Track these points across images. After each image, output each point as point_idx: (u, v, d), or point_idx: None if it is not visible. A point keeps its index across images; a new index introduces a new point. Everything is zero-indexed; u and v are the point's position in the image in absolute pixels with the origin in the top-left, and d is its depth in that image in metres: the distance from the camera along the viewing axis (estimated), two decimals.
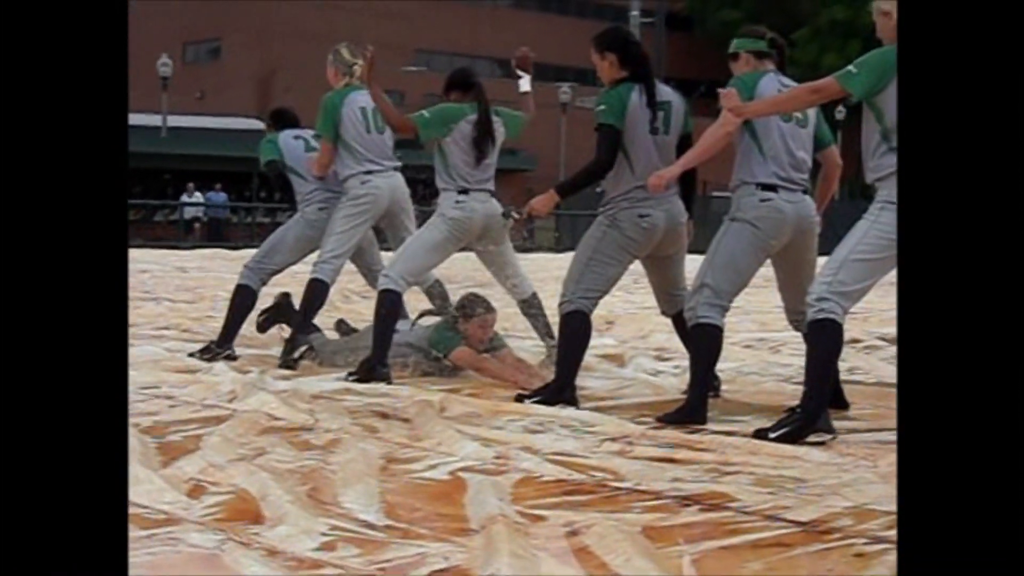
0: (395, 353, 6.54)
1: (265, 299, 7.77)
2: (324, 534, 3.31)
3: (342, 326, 7.73)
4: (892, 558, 3.19)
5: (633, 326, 9.44)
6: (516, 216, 6.96)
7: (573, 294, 5.76)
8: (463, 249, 7.07)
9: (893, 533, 3.43)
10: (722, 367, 6.83)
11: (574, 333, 5.76)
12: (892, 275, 5.43)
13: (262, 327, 7.85)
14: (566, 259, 6.43)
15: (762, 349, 8.31)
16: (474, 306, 6.60)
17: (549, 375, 6.01)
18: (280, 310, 7.88)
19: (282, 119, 7.74)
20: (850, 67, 4.86)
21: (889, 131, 4.82)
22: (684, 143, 5.80)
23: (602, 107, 5.65)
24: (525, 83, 6.84)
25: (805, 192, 5.52)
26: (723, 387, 6.23)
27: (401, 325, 6.75)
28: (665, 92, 5.81)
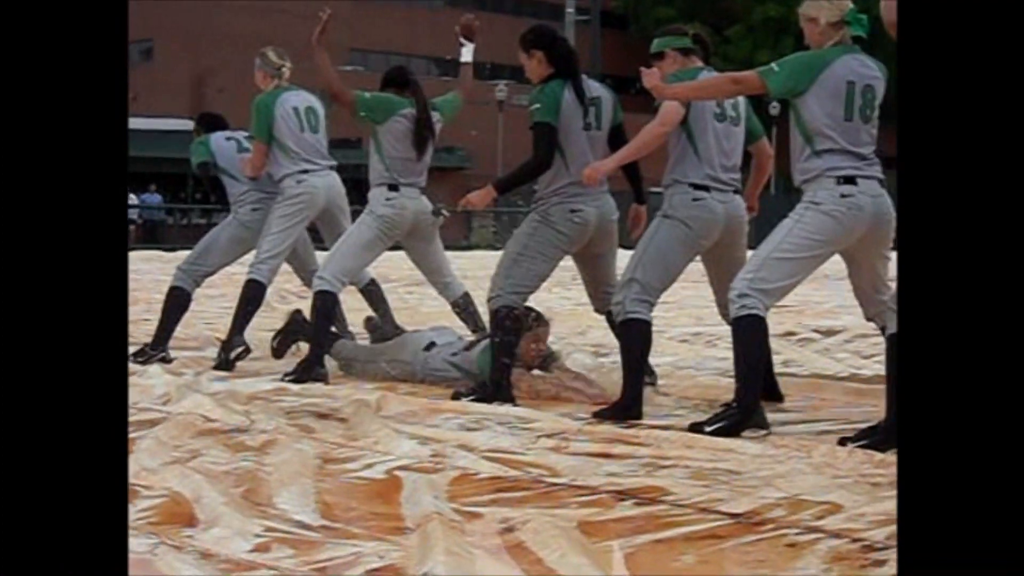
0: (441, 376, 6.22)
1: (273, 317, 7.59)
2: (258, 535, 3.29)
3: (371, 322, 7.32)
4: (823, 547, 3.23)
5: (571, 322, 9.46)
6: (446, 213, 6.97)
7: (502, 289, 5.77)
8: (397, 248, 7.06)
9: (824, 523, 3.48)
10: (658, 361, 6.88)
11: (503, 329, 5.77)
12: (826, 268, 5.51)
13: (278, 352, 7.11)
14: None
15: (698, 343, 8.36)
16: (523, 322, 5.97)
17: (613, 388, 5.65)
18: (294, 328, 7.16)
19: (210, 123, 7.69)
20: (773, 64, 4.92)
21: (810, 135, 4.86)
22: (616, 135, 5.84)
23: (536, 105, 5.67)
24: (467, 52, 6.77)
25: (736, 192, 5.56)
26: (659, 381, 6.27)
27: (442, 338, 6.42)
28: (594, 88, 5.84)
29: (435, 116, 6.75)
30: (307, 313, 6.85)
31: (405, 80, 6.71)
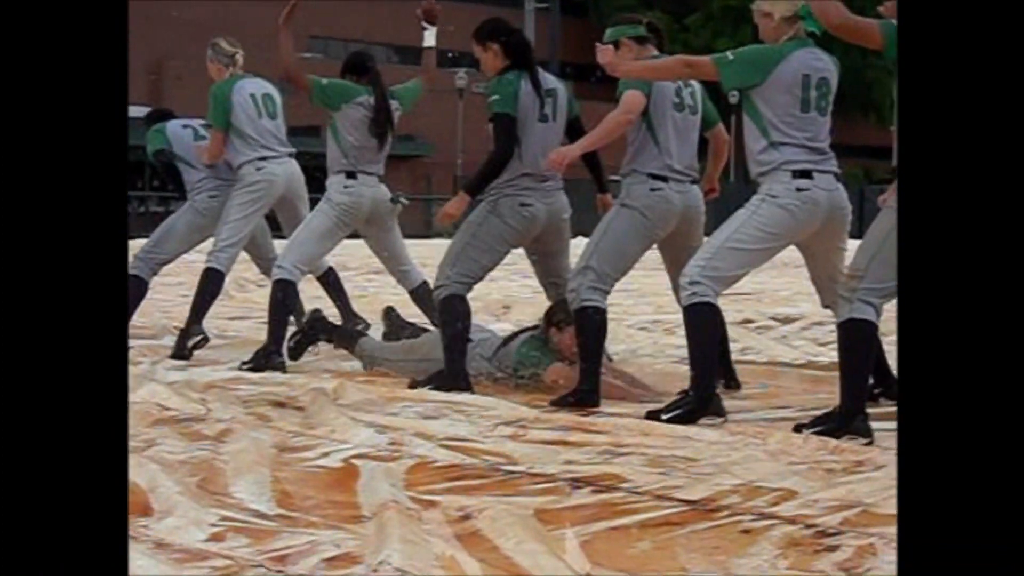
0: (477, 373, 5.84)
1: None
2: (213, 525, 3.28)
3: (390, 314, 6.93)
4: (777, 533, 3.25)
5: (529, 310, 9.44)
6: (405, 201, 6.96)
7: (448, 278, 5.77)
8: (355, 236, 7.04)
9: (779, 509, 3.50)
10: (617, 349, 6.91)
11: (452, 317, 5.77)
12: (785, 257, 5.54)
13: (296, 352, 6.64)
14: None
15: (656, 331, 8.39)
16: (565, 315, 5.71)
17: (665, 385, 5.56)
18: (317, 327, 6.75)
19: (160, 119, 7.62)
20: (729, 53, 4.95)
21: (766, 127, 4.89)
22: (574, 128, 5.85)
23: (495, 97, 5.66)
24: (430, 36, 6.69)
25: (693, 182, 5.58)
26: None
27: (477, 335, 6.03)
28: (550, 80, 5.85)
29: (394, 104, 6.73)
30: (299, 309, 6.79)
31: (363, 67, 6.69)
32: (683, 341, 7.43)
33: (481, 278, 5.87)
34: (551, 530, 3.28)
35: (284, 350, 6.48)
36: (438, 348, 5.88)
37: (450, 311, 5.76)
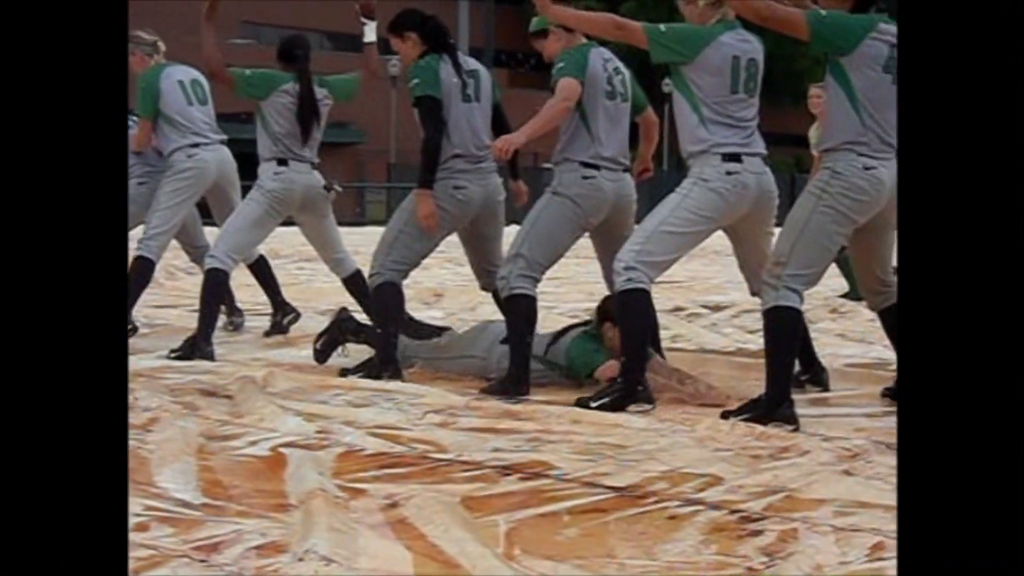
0: (536, 374, 5.49)
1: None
2: (137, 515, 3.25)
3: (345, 312, 6.53)
4: (703, 519, 3.28)
5: (462, 298, 9.48)
6: (338, 188, 6.92)
7: (383, 266, 5.76)
8: (288, 223, 7.00)
9: (705, 495, 3.53)
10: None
11: (385, 305, 5.76)
12: (716, 245, 5.58)
13: (322, 355, 6.25)
14: None
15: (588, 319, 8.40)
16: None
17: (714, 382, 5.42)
18: (344, 328, 6.33)
19: None
20: (661, 25, 4.97)
21: (697, 104, 4.93)
22: (496, 113, 5.88)
23: (416, 81, 5.65)
24: (370, 31, 6.56)
25: (626, 170, 5.61)
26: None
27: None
28: (470, 62, 5.87)
29: (322, 92, 6.70)
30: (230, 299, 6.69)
31: (290, 55, 6.65)
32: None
33: (416, 264, 5.86)
34: (478, 517, 3.29)
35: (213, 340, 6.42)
36: (475, 345, 5.74)
37: (383, 298, 5.75)
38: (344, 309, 6.46)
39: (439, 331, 6.35)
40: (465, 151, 5.70)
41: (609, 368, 5.28)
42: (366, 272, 7.13)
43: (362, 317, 6.68)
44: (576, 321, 5.80)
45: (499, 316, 5.85)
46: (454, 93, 5.70)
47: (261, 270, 7.51)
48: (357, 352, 6.15)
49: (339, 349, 6.26)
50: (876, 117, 4.60)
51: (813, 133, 10.01)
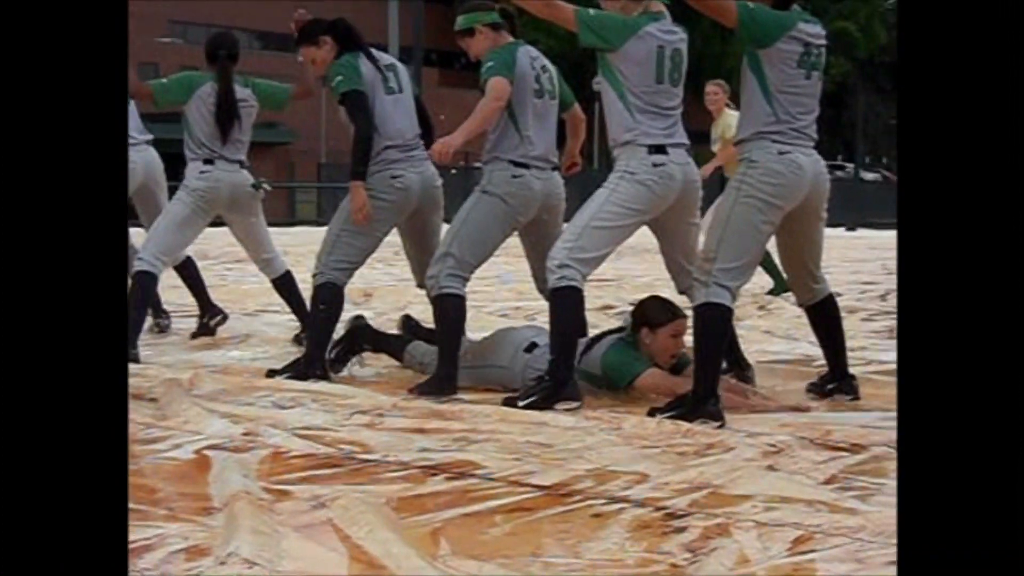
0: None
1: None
2: None
3: (408, 322, 6.31)
4: (628, 516, 3.29)
5: (391, 298, 9.45)
6: (267, 187, 6.87)
7: (325, 265, 5.73)
8: (217, 224, 6.94)
9: (630, 492, 3.55)
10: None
11: (324, 305, 5.73)
12: (646, 243, 5.60)
13: (337, 364, 5.91)
14: None
15: (517, 318, 8.42)
16: (659, 313, 5.21)
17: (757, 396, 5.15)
18: (360, 336, 6.04)
19: None
20: (590, 10, 5.01)
21: (623, 91, 4.96)
22: (418, 107, 5.93)
23: (338, 78, 5.64)
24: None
25: (554, 168, 5.62)
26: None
27: (542, 338, 5.42)
28: (385, 57, 5.90)
29: (245, 92, 6.65)
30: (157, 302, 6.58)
31: (212, 55, 6.60)
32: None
33: (361, 263, 5.83)
34: (404, 518, 3.28)
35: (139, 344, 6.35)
36: (497, 353, 5.47)
37: (322, 298, 5.72)
38: (360, 317, 6.19)
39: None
40: (397, 141, 5.71)
41: (650, 376, 5.09)
42: (296, 273, 7.11)
43: (286, 318, 6.65)
44: (610, 327, 5.55)
45: (517, 323, 5.74)
46: (377, 86, 5.71)
47: (188, 272, 7.44)
48: (373, 361, 6.00)
49: (354, 358, 5.98)
50: (790, 111, 4.72)
51: (713, 129, 10.14)
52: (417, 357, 5.78)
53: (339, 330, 5.87)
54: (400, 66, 5.93)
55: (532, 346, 5.39)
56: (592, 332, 5.60)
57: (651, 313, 5.21)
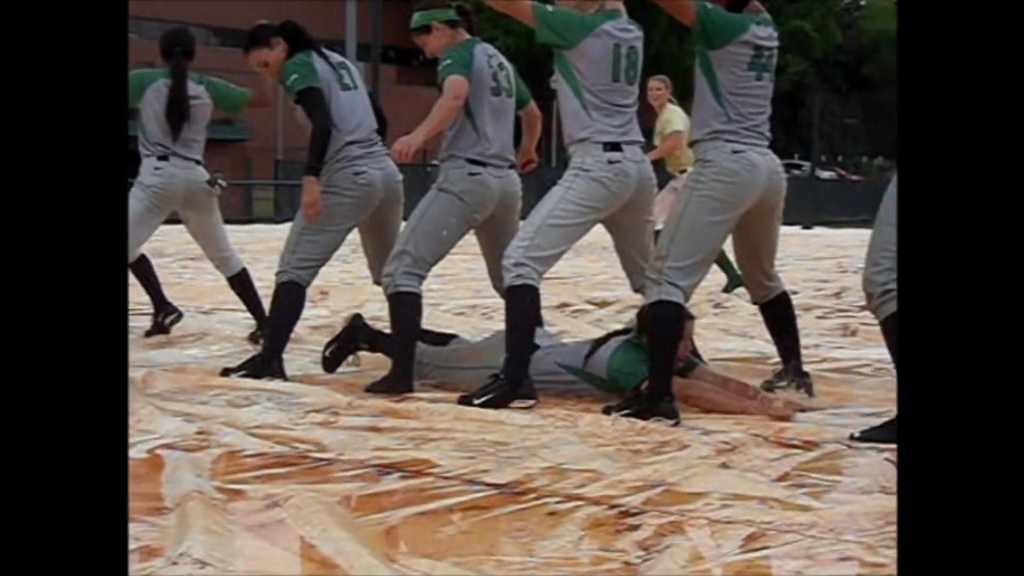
0: (553, 381, 5.16)
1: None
2: None
3: (359, 319, 6.01)
4: (582, 515, 3.30)
5: (347, 296, 9.41)
6: (223, 183, 6.83)
7: (288, 264, 5.70)
8: (172, 221, 6.90)
9: (585, 490, 3.55)
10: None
11: (285, 304, 5.71)
12: (604, 241, 5.60)
13: (331, 363, 5.83)
14: (285, 229, 6.31)
15: (474, 316, 8.42)
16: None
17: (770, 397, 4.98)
18: (356, 335, 5.91)
19: None
20: (548, 7, 5.01)
21: (579, 89, 4.97)
22: (372, 103, 5.93)
23: (294, 77, 5.61)
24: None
25: (511, 166, 5.62)
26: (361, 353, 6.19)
27: (544, 340, 5.35)
28: (335, 56, 5.88)
29: (198, 89, 6.61)
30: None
31: (167, 51, 6.56)
32: (500, 326, 7.53)
33: (324, 261, 5.80)
34: (358, 517, 3.28)
35: None
36: (497, 354, 5.17)
37: (283, 298, 5.68)
38: (357, 316, 6.04)
39: (446, 338, 5.91)
40: (358, 137, 5.70)
41: None
42: (252, 271, 7.07)
43: (242, 316, 6.61)
44: (618, 328, 5.38)
45: (590, 330, 5.58)
46: (333, 83, 5.70)
47: (143, 269, 7.38)
48: (368, 361, 5.88)
49: (350, 358, 5.85)
50: (742, 111, 4.74)
51: (656, 124, 10.18)
52: (416, 358, 5.51)
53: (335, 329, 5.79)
54: (350, 64, 5.92)
55: (534, 348, 5.21)
56: (551, 331, 5.60)
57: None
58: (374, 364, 5.75)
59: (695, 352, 5.24)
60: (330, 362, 5.81)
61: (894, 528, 3.15)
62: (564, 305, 9.09)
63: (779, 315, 5.27)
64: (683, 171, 8.72)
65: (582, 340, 5.40)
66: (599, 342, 5.20)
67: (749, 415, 4.71)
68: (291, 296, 5.70)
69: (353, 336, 5.88)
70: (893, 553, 2.93)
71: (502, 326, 7.30)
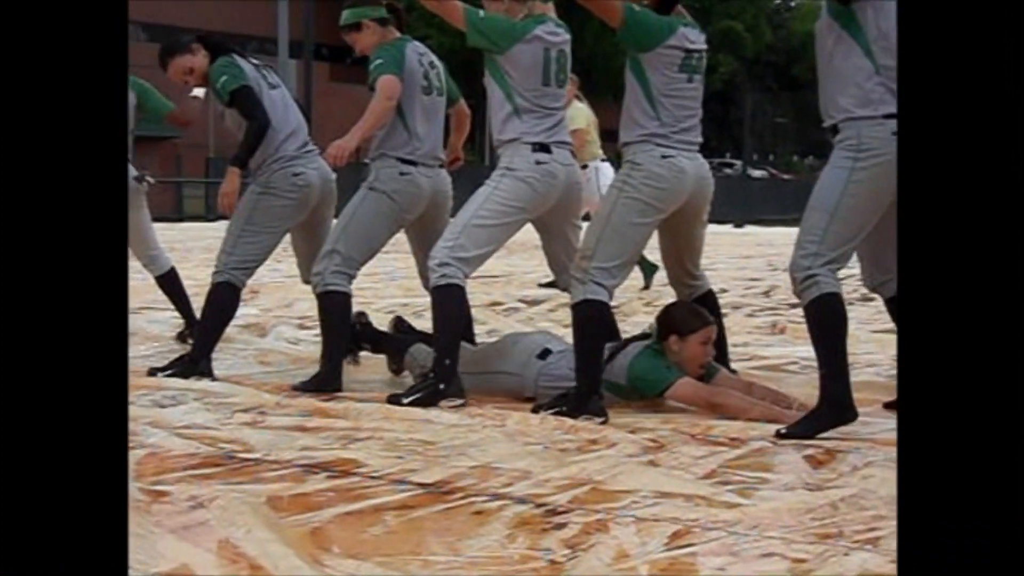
0: (567, 388, 4.89)
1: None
2: None
3: (401, 325, 5.99)
4: (509, 513, 3.30)
5: (278, 295, 9.37)
6: (150, 180, 6.77)
7: (225, 265, 5.65)
8: None
9: (512, 489, 3.56)
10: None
11: (218, 305, 5.66)
12: (534, 238, 5.60)
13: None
14: (217, 228, 6.28)
15: (405, 314, 8.36)
16: (690, 320, 4.89)
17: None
18: (359, 335, 5.83)
19: None
20: (480, 11, 5.02)
21: (511, 92, 4.97)
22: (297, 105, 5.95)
23: (223, 78, 5.59)
24: (199, 91, 6.13)
25: (441, 165, 5.62)
26: (364, 353, 6.25)
27: (555, 344, 5.21)
28: (252, 60, 5.88)
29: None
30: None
31: None
32: (431, 325, 7.53)
33: (261, 262, 5.77)
34: (284, 517, 3.25)
35: None
36: (506, 359, 5.16)
37: (216, 298, 5.64)
38: (362, 314, 5.92)
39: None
40: (293, 136, 5.69)
41: (684, 386, 4.79)
42: (181, 270, 7.01)
43: (170, 315, 6.54)
44: (636, 333, 5.19)
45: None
46: (261, 84, 5.70)
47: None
48: (368, 360, 5.83)
49: (348, 357, 5.72)
50: (674, 114, 4.77)
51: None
52: (419, 360, 5.41)
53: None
54: (268, 67, 5.93)
55: (545, 352, 5.11)
56: (485, 329, 5.59)
57: (681, 320, 4.90)
58: (306, 363, 5.73)
59: (721, 357, 5.10)
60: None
61: (817, 524, 3.20)
62: (495, 304, 9.10)
63: None
64: (584, 166, 8.72)
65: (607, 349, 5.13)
66: (617, 348, 4.99)
67: (780, 423, 4.45)
68: (225, 297, 5.66)
69: (357, 336, 5.75)
70: (815, 548, 2.97)
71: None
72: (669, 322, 4.93)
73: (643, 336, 5.06)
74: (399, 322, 6.01)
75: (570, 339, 4.91)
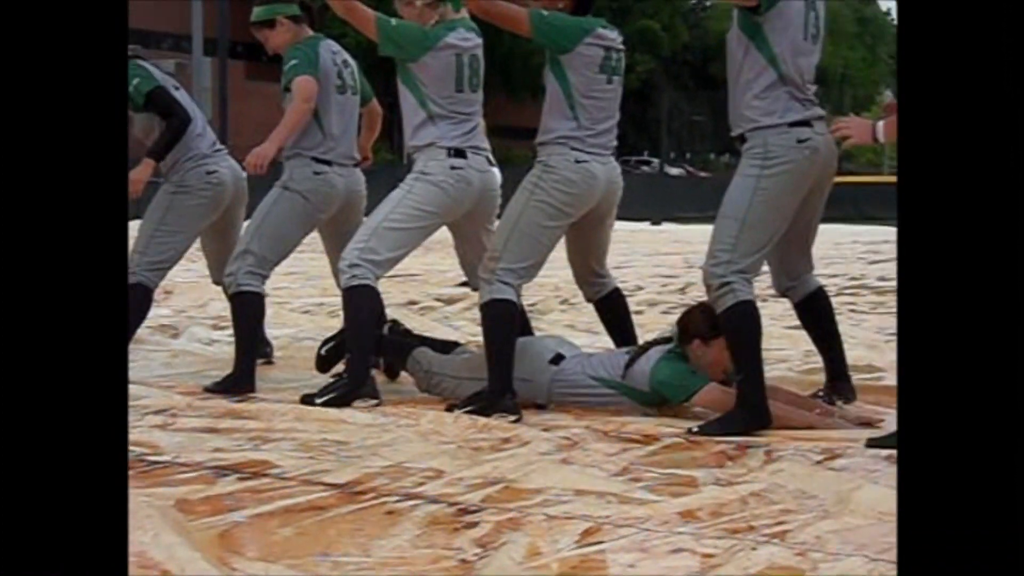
0: (583, 395, 4.87)
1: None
2: None
3: (397, 326, 5.72)
4: (420, 513, 3.29)
5: (192, 295, 9.26)
6: None
7: (138, 266, 5.57)
8: None
9: (424, 489, 3.55)
10: (278, 333, 6.84)
11: (131, 306, 5.58)
12: (448, 236, 5.59)
13: (325, 364, 5.50)
14: (130, 227, 6.18)
15: (320, 314, 8.36)
16: (714, 324, 4.62)
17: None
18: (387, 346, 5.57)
19: None
20: (392, 20, 5.02)
21: (424, 99, 4.96)
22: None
23: (135, 80, 5.51)
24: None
25: (355, 164, 5.60)
26: (278, 353, 6.22)
27: (567, 349, 5.09)
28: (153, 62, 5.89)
29: None
30: None
31: None
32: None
33: (175, 262, 5.71)
34: (192, 520, 3.22)
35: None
36: (519, 365, 4.86)
37: (129, 299, 5.55)
38: (395, 322, 5.73)
39: (450, 346, 5.57)
40: (201, 136, 5.66)
41: (710, 392, 4.63)
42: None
43: None
44: (656, 337, 4.99)
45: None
46: (168, 84, 5.65)
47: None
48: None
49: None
50: (593, 116, 4.78)
51: None
52: (423, 364, 5.25)
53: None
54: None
55: (558, 357, 4.96)
56: (403, 327, 5.59)
57: (704, 324, 4.69)
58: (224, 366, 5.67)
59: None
60: (324, 361, 5.50)
61: (726, 519, 3.23)
62: (412, 303, 9.08)
63: (614, 311, 5.33)
64: None
65: (609, 351, 5.15)
66: (637, 354, 4.84)
67: (814, 427, 4.40)
68: (138, 298, 5.58)
69: (381, 347, 5.49)
70: (724, 543, 3.00)
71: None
72: (693, 326, 4.75)
73: (664, 340, 4.88)
74: (395, 326, 5.75)
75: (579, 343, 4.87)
